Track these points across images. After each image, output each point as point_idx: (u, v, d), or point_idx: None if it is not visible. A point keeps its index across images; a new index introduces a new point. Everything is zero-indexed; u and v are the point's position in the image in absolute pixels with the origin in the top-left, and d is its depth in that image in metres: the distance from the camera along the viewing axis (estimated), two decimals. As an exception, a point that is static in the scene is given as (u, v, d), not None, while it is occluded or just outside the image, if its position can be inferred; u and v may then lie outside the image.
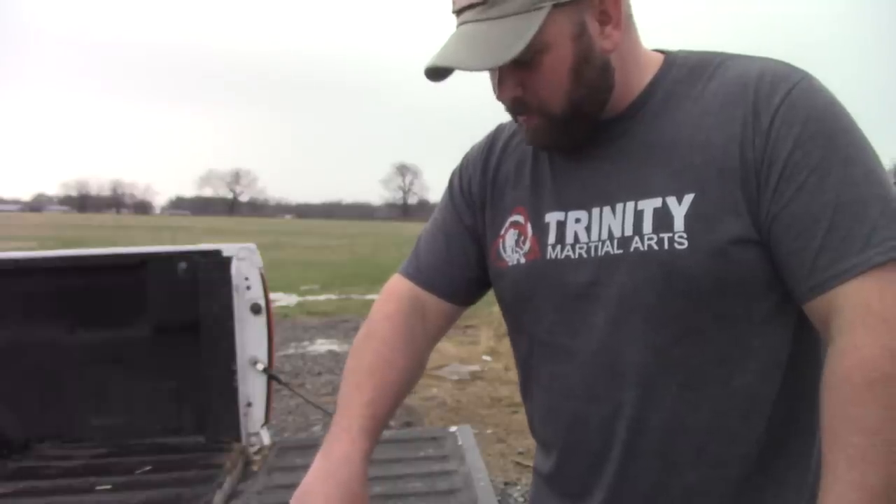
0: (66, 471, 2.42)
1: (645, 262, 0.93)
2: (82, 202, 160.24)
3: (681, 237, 0.91)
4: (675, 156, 0.94)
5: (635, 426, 0.97)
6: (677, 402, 0.95)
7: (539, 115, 0.97)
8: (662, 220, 0.93)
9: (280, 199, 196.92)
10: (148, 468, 2.41)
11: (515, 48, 0.88)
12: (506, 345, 1.31)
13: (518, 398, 1.22)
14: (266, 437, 2.71)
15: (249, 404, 2.67)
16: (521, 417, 1.25)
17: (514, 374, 1.21)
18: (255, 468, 2.48)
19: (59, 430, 2.74)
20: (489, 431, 5.22)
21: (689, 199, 0.91)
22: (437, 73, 0.96)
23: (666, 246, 0.92)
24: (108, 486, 2.26)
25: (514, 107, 0.98)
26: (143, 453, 2.57)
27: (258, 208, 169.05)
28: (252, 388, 2.68)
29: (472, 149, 1.22)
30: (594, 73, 0.95)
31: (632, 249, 0.94)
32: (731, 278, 0.90)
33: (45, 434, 2.72)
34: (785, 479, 0.96)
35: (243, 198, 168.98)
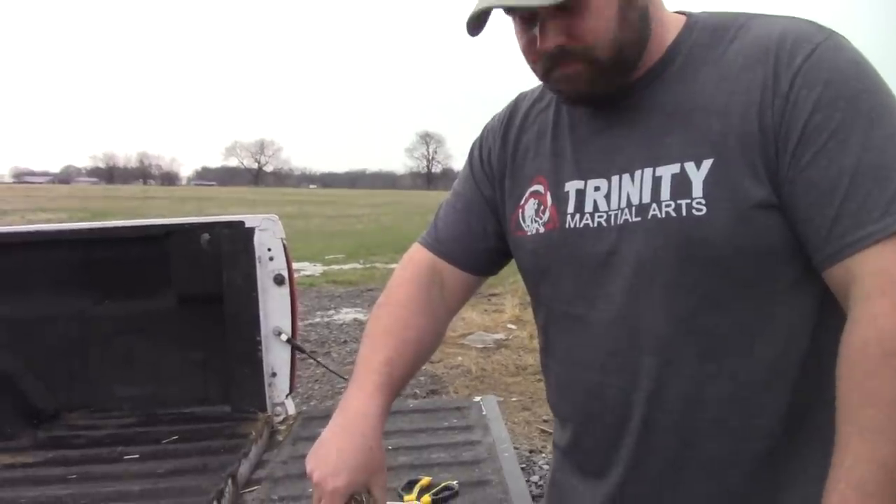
0: (94, 440, 2.45)
1: (663, 229, 0.90)
2: (110, 174, 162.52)
3: (699, 203, 0.88)
4: (693, 121, 0.91)
5: (654, 398, 0.95)
6: (697, 373, 0.92)
7: (583, 62, 0.92)
8: (680, 186, 0.89)
9: (304, 169, 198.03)
10: (175, 438, 2.43)
11: None
12: (531, 313, 1.31)
13: (543, 367, 1.21)
14: (291, 407, 2.72)
15: (274, 374, 2.68)
16: (546, 387, 1.23)
17: (538, 343, 1.20)
18: (280, 437, 2.49)
19: (87, 400, 2.78)
20: (514, 399, 5.24)
21: (707, 164, 0.88)
22: (478, 21, 0.92)
23: (684, 213, 0.89)
24: (136, 456, 2.28)
25: (556, 56, 0.92)
26: (169, 423, 2.59)
27: (283, 178, 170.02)
28: (276, 358, 2.68)
29: (492, 119, 1.19)
30: (636, 16, 0.92)
31: (649, 217, 0.91)
32: (751, 245, 0.87)
33: (74, 404, 2.76)
34: (807, 453, 0.93)
35: (268, 168, 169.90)
